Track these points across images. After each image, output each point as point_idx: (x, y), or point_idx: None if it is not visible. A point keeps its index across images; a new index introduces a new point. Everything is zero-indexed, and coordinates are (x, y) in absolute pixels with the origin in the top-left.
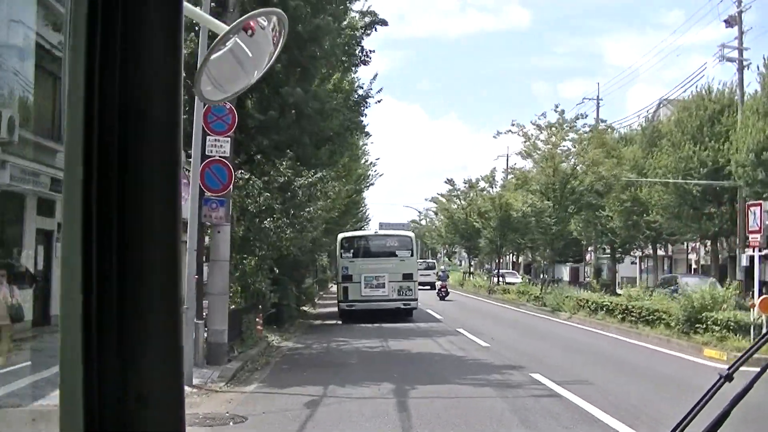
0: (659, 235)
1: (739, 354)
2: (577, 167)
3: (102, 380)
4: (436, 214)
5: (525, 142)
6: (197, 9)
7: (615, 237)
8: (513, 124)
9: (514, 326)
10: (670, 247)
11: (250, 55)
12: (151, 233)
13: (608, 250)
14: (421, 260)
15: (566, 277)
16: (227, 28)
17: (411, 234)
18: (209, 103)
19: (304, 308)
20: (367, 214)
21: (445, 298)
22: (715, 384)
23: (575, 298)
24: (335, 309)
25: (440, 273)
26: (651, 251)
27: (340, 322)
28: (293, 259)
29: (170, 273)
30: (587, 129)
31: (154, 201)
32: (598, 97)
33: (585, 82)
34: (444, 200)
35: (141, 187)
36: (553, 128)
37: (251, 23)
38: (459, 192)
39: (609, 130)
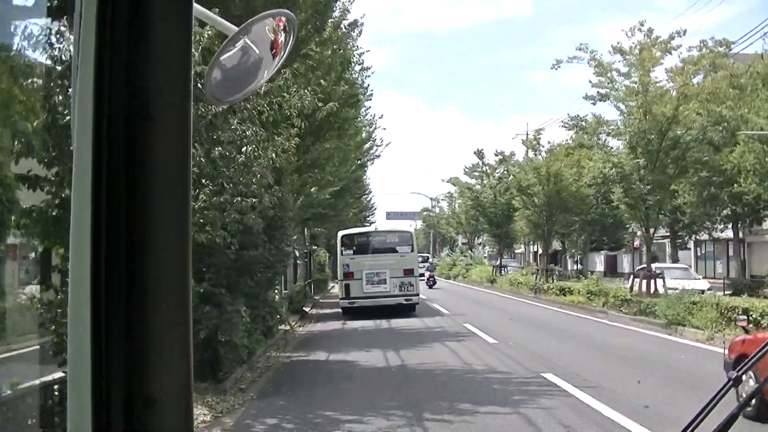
0: (746, 211)
1: None
2: (681, 107)
3: (111, 382)
4: (452, 198)
5: (599, 75)
6: (207, 10)
7: (681, 215)
8: (580, 49)
9: (644, 365)
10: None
11: (259, 55)
12: (161, 234)
13: (660, 233)
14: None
15: (600, 267)
16: (237, 29)
17: (411, 230)
18: (218, 104)
19: (285, 327)
20: (371, 201)
21: (433, 287)
22: (724, 386)
23: (718, 305)
24: (334, 323)
25: (428, 265)
26: (713, 234)
27: (333, 357)
28: (237, 255)
29: (179, 274)
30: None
31: (163, 201)
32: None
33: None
34: (467, 179)
35: (150, 186)
36: (645, 51)
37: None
38: (487, 167)
39: (726, 49)
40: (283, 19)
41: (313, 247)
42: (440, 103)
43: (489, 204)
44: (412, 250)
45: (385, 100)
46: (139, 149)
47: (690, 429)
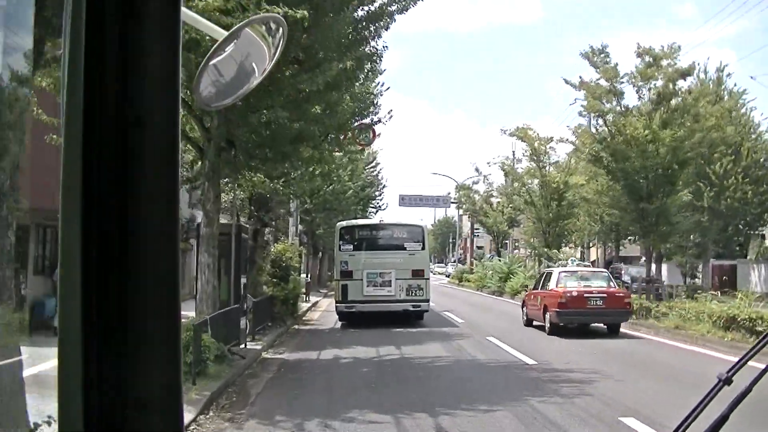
0: None
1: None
2: None
3: (101, 385)
4: (511, 167)
5: None
6: (196, 15)
7: None
8: None
9: None
10: None
11: (250, 60)
12: (150, 240)
13: None
14: None
15: (677, 279)
16: (226, 33)
17: (422, 224)
18: (208, 109)
19: None
20: (379, 175)
21: None
22: (714, 387)
23: None
24: None
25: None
26: None
27: None
28: None
29: (169, 279)
30: None
31: (152, 207)
32: None
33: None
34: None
35: (139, 193)
36: None
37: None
38: (631, 78)
39: None
40: (273, 23)
41: (264, 228)
42: (448, 107)
43: (636, 152)
44: (423, 248)
45: (392, 102)
46: (128, 155)
47: (679, 431)
